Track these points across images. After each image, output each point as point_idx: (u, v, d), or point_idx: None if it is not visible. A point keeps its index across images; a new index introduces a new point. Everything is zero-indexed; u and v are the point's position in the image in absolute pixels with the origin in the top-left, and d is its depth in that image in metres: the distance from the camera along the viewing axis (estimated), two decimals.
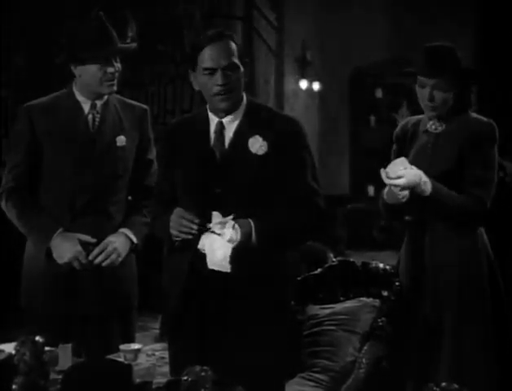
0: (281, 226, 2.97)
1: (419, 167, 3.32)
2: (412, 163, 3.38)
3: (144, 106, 3.64)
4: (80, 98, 3.46)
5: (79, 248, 3.38)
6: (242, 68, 2.98)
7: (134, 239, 3.49)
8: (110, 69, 3.38)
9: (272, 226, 2.94)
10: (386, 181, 3.19)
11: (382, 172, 3.17)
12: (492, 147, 3.30)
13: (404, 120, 3.55)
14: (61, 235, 3.39)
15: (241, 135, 2.99)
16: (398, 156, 3.45)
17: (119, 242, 3.44)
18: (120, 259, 3.44)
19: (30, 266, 3.49)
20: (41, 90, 3.83)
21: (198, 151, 3.03)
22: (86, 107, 3.46)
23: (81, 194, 3.42)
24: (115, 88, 3.44)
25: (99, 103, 3.46)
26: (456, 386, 2.19)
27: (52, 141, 3.44)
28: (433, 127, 3.37)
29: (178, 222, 2.92)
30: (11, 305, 3.66)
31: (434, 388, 2.18)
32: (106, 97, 3.47)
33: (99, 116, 3.46)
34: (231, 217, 2.89)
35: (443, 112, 3.33)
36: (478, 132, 3.29)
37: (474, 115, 3.36)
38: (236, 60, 2.95)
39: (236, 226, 2.87)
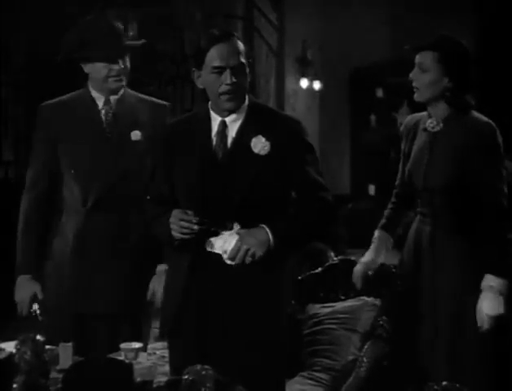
0: (294, 226, 2.97)
1: (418, 167, 3.31)
2: (412, 162, 3.38)
3: (163, 102, 3.63)
4: (94, 94, 3.49)
5: (27, 297, 3.43)
6: (248, 68, 2.99)
7: None
8: (115, 67, 3.41)
9: (287, 228, 2.94)
10: None
11: None
12: (497, 150, 3.25)
13: (408, 117, 3.54)
14: (25, 278, 3.46)
15: (244, 135, 2.98)
16: (404, 155, 3.46)
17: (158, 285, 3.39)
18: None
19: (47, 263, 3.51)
20: (41, 90, 3.83)
21: (199, 150, 3.01)
22: (100, 102, 3.48)
23: (92, 189, 3.42)
24: (123, 83, 3.47)
25: (113, 98, 3.48)
26: (457, 385, 2.19)
27: (67, 137, 3.46)
28: (431, 126, 3.35)
29: (178, 224, 2.92)
30: (12, 305, 3.66)
31: (435, 388, 2.18)
32: (121, 92, 3.49)
33: (111, 111, 3.47)
34: (236, 228, 2.89)
35: (426, 97, 3.29)
36: (478, 136, 3.23)
37: (476, 115, 3.30)
38: (244, 60, 2.95)
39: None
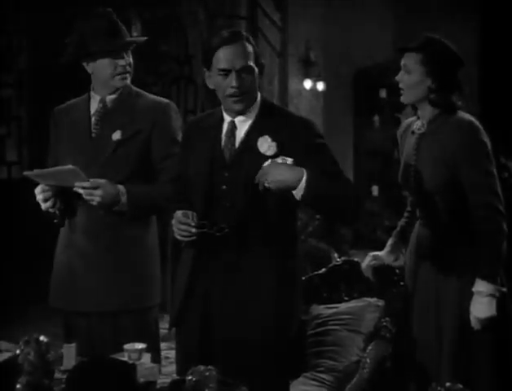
0: (328, 186, 2.87)
1: (407, 169, 3.30)
2: (402, 166, 3.37)
3: (164, 100, 3.51)
4: (92, 94, 3.45)
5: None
6: (257, 70, 2.96)
7: None
8: (121, 62, 3.37)
9: (321, 182, 2.85)
10: None
11: None
12: (480, 148, 3.21)
13: (402, 123, 3.54)
14: None
15: (252, 136, 2.97)
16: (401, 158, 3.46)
17: None
18: None
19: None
20: (44, 90, 3.84)
21: (209, 149, 3.02)
22: (95, 102, 3.44)
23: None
24: (127, 81, 3.42)
25: (109, 97, 3.43)
26: (460, 386, 2.19)
27: (64, 140, 3.46)
28: (416, 128, 3.35)
29: (177, 227, 2.92)
30: (13, 304, 3.67)
31: (438, 388, 2.18)
32: (120, 90, 3.42)
33: (102, 110, 3.42)
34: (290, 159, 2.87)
35: (411, 99, 3.29)
36: (459, 135, 3.21)
37: (461, 115, 3.27)
38: (251, 63, 2.93)
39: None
